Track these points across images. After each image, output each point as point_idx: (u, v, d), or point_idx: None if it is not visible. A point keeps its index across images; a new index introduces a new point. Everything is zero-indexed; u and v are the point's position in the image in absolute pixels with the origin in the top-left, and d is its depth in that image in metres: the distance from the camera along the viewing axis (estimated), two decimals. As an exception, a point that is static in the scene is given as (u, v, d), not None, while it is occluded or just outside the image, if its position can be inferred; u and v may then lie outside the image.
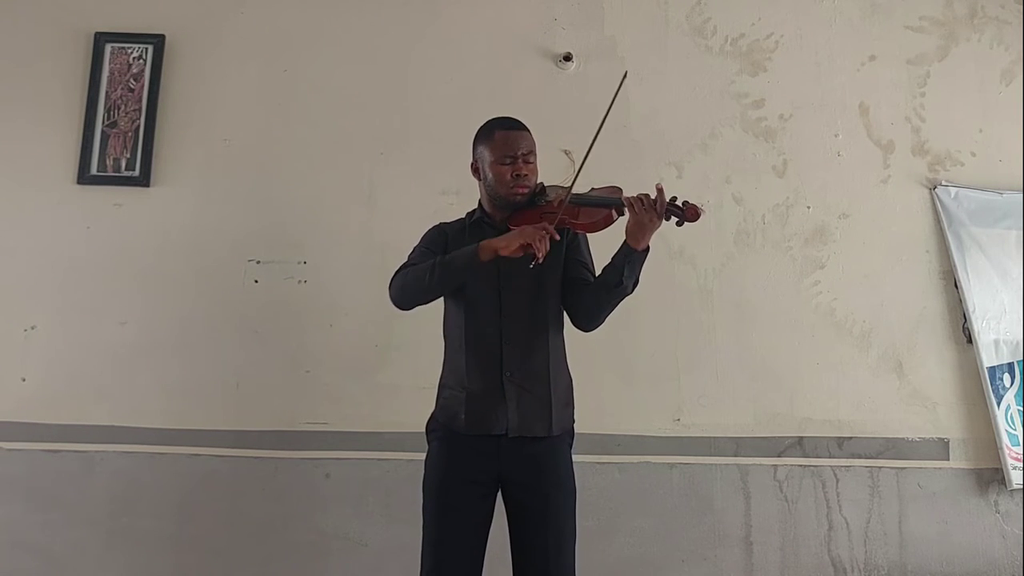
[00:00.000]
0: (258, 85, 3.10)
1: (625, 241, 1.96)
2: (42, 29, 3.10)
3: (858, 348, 3.04)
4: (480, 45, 3.17)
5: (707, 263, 3.05)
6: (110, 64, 3.06)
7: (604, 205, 2.00)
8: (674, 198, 1.93)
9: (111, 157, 2.99)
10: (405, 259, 2.10)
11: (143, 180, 2.98)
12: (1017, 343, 3.04)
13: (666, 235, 3.02)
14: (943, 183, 3.17)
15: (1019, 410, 3.00)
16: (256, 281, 2.96)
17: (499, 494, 2.03)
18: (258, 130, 3.06)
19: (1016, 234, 3.14)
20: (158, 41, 3.08)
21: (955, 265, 3.07)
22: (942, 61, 3.29)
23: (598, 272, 2.07)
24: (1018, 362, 3.04)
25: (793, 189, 3.14)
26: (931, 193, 3.17)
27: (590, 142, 1.96)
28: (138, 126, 3.01)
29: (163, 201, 2.99)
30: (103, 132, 3.01)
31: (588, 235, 2.12)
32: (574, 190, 2.00)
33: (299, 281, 2.96)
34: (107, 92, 3.04)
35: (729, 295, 3.04)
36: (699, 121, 3.16)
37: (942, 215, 3.13)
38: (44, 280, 2.92)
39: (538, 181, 2.08)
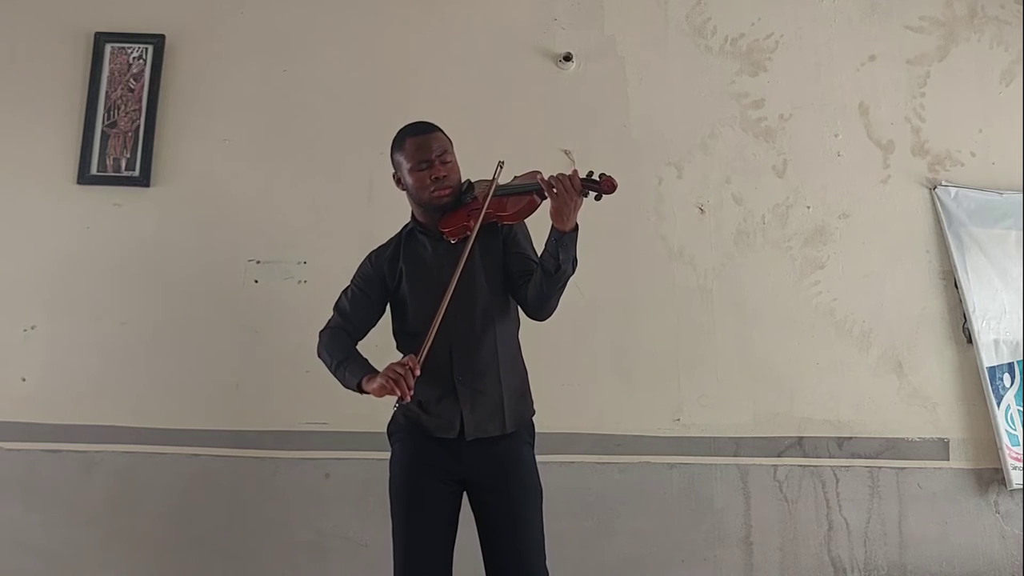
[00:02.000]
0: (258, 85, 3.10)
1: (552, 225, 1.91)
2: (42, 29, 3.10)
3: (858, 348, 3.04)
4: (480, 45, 3.17)
5: (707, 263, 3.05)
6: (110, 64, 3.06)
7: (525, 192, 1.97)
8: (590, 172, 1.89)
9: (111, 157, 2.99)
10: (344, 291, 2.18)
11: (143, 180, 2.98)
12: (1017, 343, 3.04)
13: (666, 235, 3.06)
14: (943, 183, 3.17)
15: (1019, 410, 3.00)
16: (256, 281, 2.95)
17: (464, 496, 2.04)
18: (258, 130, 3.06)
19: (1016, 234, 3.14)
20: (158, 41, 3.08)
21: (955, 265, 3.07)
22: (942, 61, 3.29)
23: None
24: (1018, 362, 3.04)
25: (793, 189, 3.14)
26: (931, 193, 3.17)
27: (492, 180, 1.97)
28: (138, 126, 3.01)
29: (163, 201, 2.99)
30: (103, 132, 3.01)
31: (527, 223, 2.09)
32: (498, 182, 1.98)
33: (299, 281, 2.96)
34: (107, 92, 3.04)
35: (729, 295, 3.03)
36: (699, 121, 3.16)
37: (942, 215, 3.13)
38: (44, 280, 2.92)
39: (464, 179, 2.07)
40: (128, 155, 3.00)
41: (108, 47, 3.07)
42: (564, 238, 1.89)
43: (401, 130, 2.10)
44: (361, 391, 2.00)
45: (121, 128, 3.02)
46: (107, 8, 3.11)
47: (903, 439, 2.97)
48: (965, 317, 3.05)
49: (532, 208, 1.97)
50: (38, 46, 3.08)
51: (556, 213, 1.88)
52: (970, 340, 3.03)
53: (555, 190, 1.85)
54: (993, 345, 3.03)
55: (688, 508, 2.88)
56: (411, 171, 2.03)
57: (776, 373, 2.99)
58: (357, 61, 3.13)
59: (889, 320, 3.06)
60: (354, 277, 2.17)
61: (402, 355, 2.08)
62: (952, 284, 3.09)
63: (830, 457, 2.95)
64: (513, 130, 3.03)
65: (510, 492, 1.98)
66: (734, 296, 3.04)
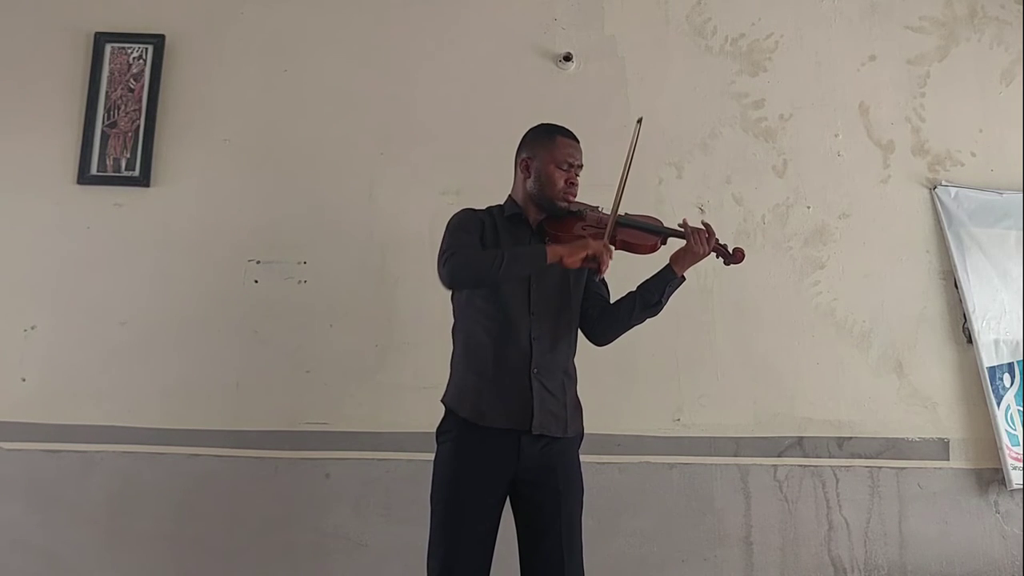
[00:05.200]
0: (258, 85, 3.10)
1: (669, 266, 2.07)
2: (42, 29, 3.10)
3: (858, 348, 3.04)
4: (480, 45, 3.17)
5: (707, 263, 3.00)
6: (110, 64, 3.06)
7: (654, 233, 2.11)
8: (717, 239, 2.09)
9: (111, 157, 2.99)
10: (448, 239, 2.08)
11: (143, 180, 2.98)
12: (1017, 343, 3.04)
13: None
14: (943, 183, 3.17)
15: (1019, 410, 3.00)
16: (256, 281, 2.95)
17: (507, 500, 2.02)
18: (258, 130, 3.06)
19: (1016, 234, 3.14)
20: (158, 41, 3.08)
21: (955, 265, 3.07)
22: (942, 61, 3.29)
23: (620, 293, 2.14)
24: (1018, 362, 3.04)
25: (793, 189, 3.14)
26: (931, 193, 3.17)
27: (625, 167, 2.05)
28: (138, 126, 3.01)
29: (163, 201, 2.99)
30: (103, 132, 3.01)
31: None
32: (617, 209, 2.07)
33: (299, 281, 2.95)
34: (107, 92, 3.04)
35: (729, 295, 3.03)
36: (699, 121, 3.16)
37: (942, 215, 3.13)
38: (44, 280, 2.92)
39: None
40: (128, 155, 2.99)
41: (108, 47, 3.07)
42: (675, 281, 2.08)
43: (550, 125, 2.15)
44: (544, 265, 1.94)
45: (121, 128, 3.02)
46: (107, 8, 3.11)
47: (903, 439, 2.97)
48: (965, 317, 3.05)
49: (652, 249, 2.11)
50: (38, 46, 3.08)
51: (682, 257, 2.07)
52: (970, 340, 3.03)
53: (697, 238, 2.04)
54: (993, 345, 3.03)
55: (688, 508, 2.88)
56: (550, 165, 2.07)
57: (776, 373, 2.99)
58: (357, 61, 3.13)
59: (889, 320, 3.06)
60: (452, 227, 2.06)
61: (465, 335, 2.07)
62: (952, 284, 3.09)
63: (830, 457, 2.94)
64: (513, 130, 3.00)
65: (561, 490, 2.00)
66: (734, 296, 3.04)
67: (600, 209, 2.12)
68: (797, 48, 3.26)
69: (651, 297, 2.07)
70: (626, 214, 2.11)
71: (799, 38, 3.27)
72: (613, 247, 2.07)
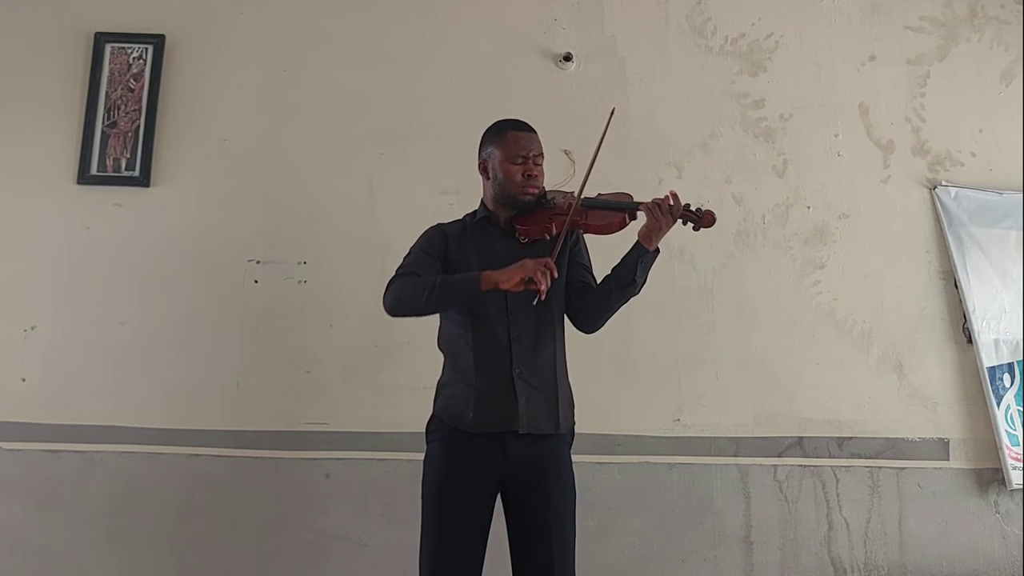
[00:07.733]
0: (258, 85, 3.10)
1: (638, 242, 2.01)
2: (42, 29, 3.10)
3: (858, 348, 3.04)
4: (480, 45, 3.17)
5: (707, 263, 3.05)
6: (110, 64, 3.06)
7: (618, 209, 2.05)
8: (688, 204, 1.99)
9: (111, 157, 2.99)
10: (404, 258, 2.10)
11: (143, 180, 2.98)
12: (1017, 343, 3.04)
13: (667, 235, 3.04)
14: (943, 183, 3.17)
15: (1019, 410, 3.00)
16: (256, 281, 2.96)
17: (498, 497, 2.02)
18: (258, 130, 3.06)
19: (1016, 234, 3.15)
20: (158, 41, 3.08)
21: (955, 265, 3.08)
22: (942, 61, 3.29)
23: (602, 274, 2.10)
24: (1018, 362, 3.04)
25: (793, 189, 3.14)
26: (931, 193, 3.17)
27: (593, 153, 2.00)
28: (138, 126, 3.01)
29: (163, 201, 2.99)
30: (103, 132, 3.01)
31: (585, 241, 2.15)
32: (582, 194, 2.03)
33: (299, 281, 2.96)
34: (107, 92, 3.04)
35: (729, 295, 3.04)
36: (699, 121, 3.17)
37: (942, 215, 3.13)
38: (44, 280, 2.92)
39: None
40: (128, 155, 3.00)
41: (108, 47, 3.07)
42: (647, 257, 2.00)
43: (501, 122, 2.12)
44: (479, 293, 1.91)
45: (121, 128, 3.02)
46: (107, 8, 3.11)
47: (903, 439, 2.97)
48: (965, 317, 3.05)
49: (621, 226, 2.05)
50: (38, 46, 3.09)
51: (648, 233, 1.99)
52: (970, 340, 3.03)
53: (656, 212, 1.96)
54: (993, 345, 3.03)
55: (688, 508, 2.88)
56: (504, 162, 2.05)
57: (776, 373, 2.99)
58: (357, 61, 3.13)
59: (889, 320, 3.06)
60: (414, 246, 2.10)
61: (447, 340, 2.08)
62: (952, 284, 3.09)
63: (830, 457, 2.94)
64: (513, 130, 3.04)
65: (550, 490, 1.98)
66: (734, 296, 3.04)
67: (571, 193, 2.08)
68: (797, 48, 3.26)
69: (626, 276, 2.01)
70: (598, 195, 2.08)
71: (799, 38, 3.27)
72: (586, 231, 2.06)
